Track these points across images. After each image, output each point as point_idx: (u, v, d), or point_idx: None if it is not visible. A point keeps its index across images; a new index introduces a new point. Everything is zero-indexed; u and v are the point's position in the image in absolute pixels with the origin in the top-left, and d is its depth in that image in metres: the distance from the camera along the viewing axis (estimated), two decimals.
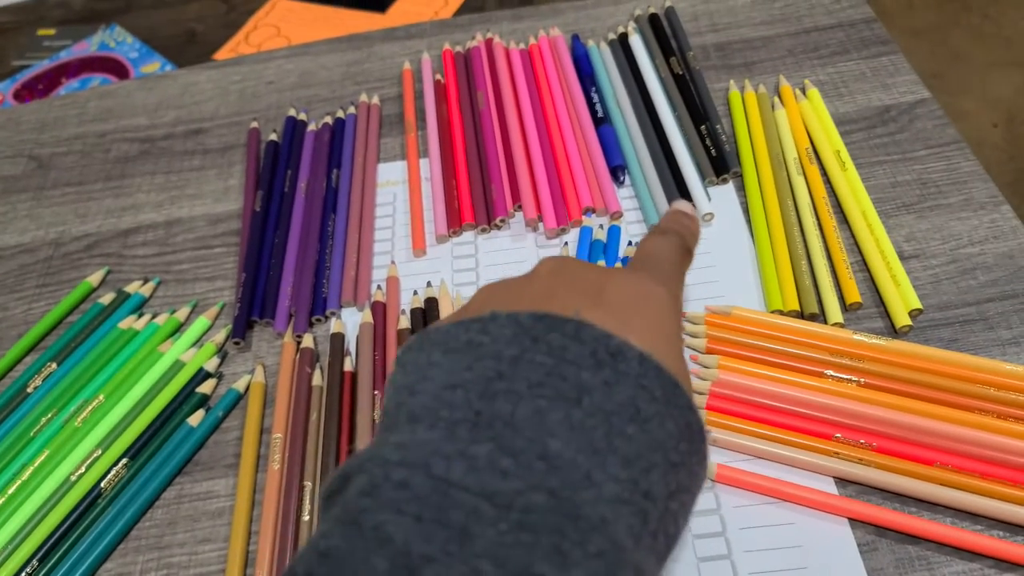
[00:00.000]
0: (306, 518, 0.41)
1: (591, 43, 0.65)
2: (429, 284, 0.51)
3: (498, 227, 0.54)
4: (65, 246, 0.57)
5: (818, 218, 0.51)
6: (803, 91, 0.59)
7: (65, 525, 0.41)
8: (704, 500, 0.41)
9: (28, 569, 0.40)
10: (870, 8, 0.66)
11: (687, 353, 0.46)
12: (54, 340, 0.51)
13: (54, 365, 0.48)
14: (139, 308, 0.52)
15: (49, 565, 0.40)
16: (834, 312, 0.46)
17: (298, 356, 0.47)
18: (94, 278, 0.54)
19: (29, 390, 0.47)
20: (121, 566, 0.41)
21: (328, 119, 0.62)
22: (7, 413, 0.46)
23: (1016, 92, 1.55)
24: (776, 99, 0.59)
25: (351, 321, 0.50)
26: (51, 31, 1.03)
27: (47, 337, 0.51)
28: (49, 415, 0.46)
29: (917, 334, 0.46)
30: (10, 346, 0.51)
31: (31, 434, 0.45)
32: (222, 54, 0.77)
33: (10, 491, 0.43)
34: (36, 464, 0.44)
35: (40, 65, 1.00)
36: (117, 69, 1.04)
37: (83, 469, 0.43)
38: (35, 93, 0.91)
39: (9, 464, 0.44)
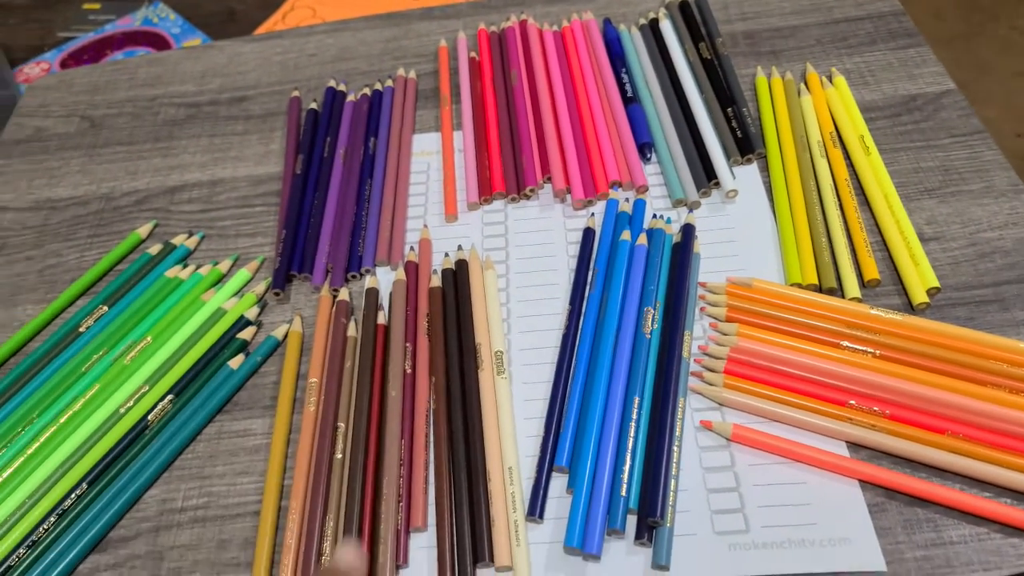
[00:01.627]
0: (339, 456, 0.43)
1: (622, 27, 0.67)
2: (460, 247, 0.53)
3: (527, 196, 0.56)
4: (116, 200, 0.60)
5: (839, 198, 0.53)
6: (830, 79, 0.61)
7: (114, 452, 0.44)
8: (719, 457, 0.42)
9: (78, 491, 0.42)
10: (898, 1, 0.67)
11: (706, 321, 0.48)
12: (104, 285, 0.53)
13: (105, 308, 0.51)
14: (184, 259, 0.54)
15: (99, 487, 0.42)
16: (852, 287, 0.48)
17: (334, 308, 0.49)
18: (143, 230, 0.56)
19: (81, 330, 0.50)
20: (166, 492, 0.43)
21: (367, 90, 0.64)
22: (60, 350, 0.49)
23: None
24: (802, 85, 0.60)
25: (385, 279, 0.52)
26: (96, 5, 1.06)
27: (98, 283, 0.54)
28: (100, 353, 0.48)
29: (933, 312, 0.47)
30: (64, 289, 0.54)
31: (83, 369, 0.48)
32: (261, 31, 0.79)
33: (62, 420, 0.45)
34: (87, 396, 0.46)
35: (85, 37, 1.03)
36: (159, 43, 1.07)
37: (131, 403, 0.46)
38: (81, 64, 0.94)
39: (62, 395, 0.46)
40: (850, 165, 0.55)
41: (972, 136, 0.56)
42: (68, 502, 0.42)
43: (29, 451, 0.44)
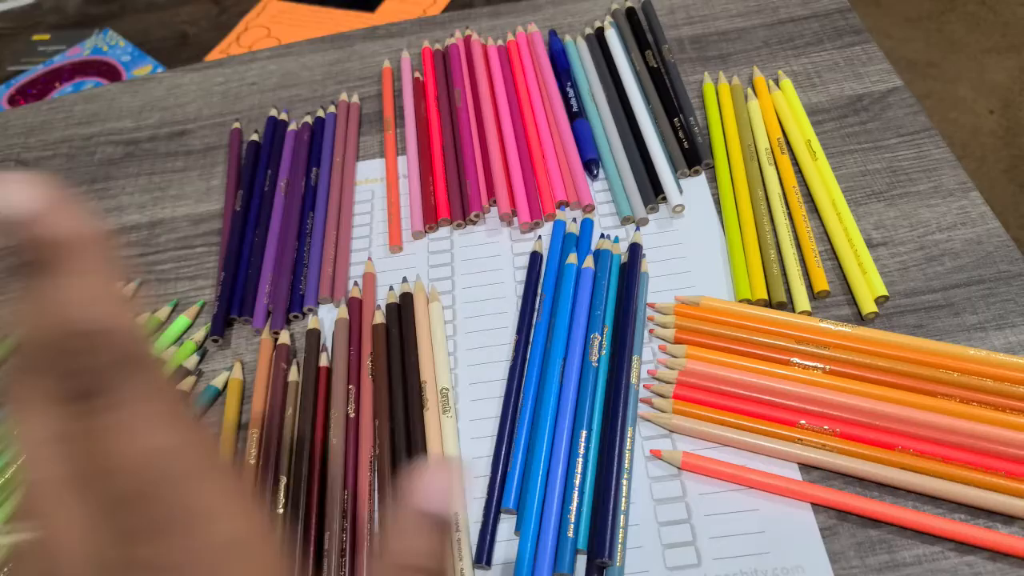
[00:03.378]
0: (280, 511, 0.42)
1: (567, 38, 0.65)
2: (404, 280, 0.52)
3: (473, 222, 0.55)
4: None
5: (788, 207, 0.52)
6: (776, 82, 0.60)
7: None
8: (670, 488, 0.41)
9: None
10: None
11: (656, 343, 0.47)
12: None
13: None
14: None
15: None
16: (802, 300, 0.47)
17: (275, 353, 0.48)
18: None
19: None
20: None
21: (308, 118, 0.62)
22: None
23: (1012, 78, 1.55)
24: (750, 90, 0.59)
25: (328, 317, 0.51)
26: (46, 36, 1.04)
27: None
28: None
29: (883, 321, 0.46)
30: None
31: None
32: (213, 56, 0.78)
33: None
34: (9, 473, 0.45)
35: (35, 70, 1.01)
36: (110, 72, 1.05)
37: None
38: (29, 98, 0.92)
39: None
40: (798, 172, 0.54)
41: (919, 135, 0.55)
42: None
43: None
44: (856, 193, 0.52)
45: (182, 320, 0.51)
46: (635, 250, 0.50)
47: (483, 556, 0.40)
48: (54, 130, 0.67)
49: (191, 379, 0.48)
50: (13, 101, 0.87)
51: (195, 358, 0.49)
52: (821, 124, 0.57)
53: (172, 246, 0.57)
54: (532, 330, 0.48)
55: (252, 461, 0.44)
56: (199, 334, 0.50)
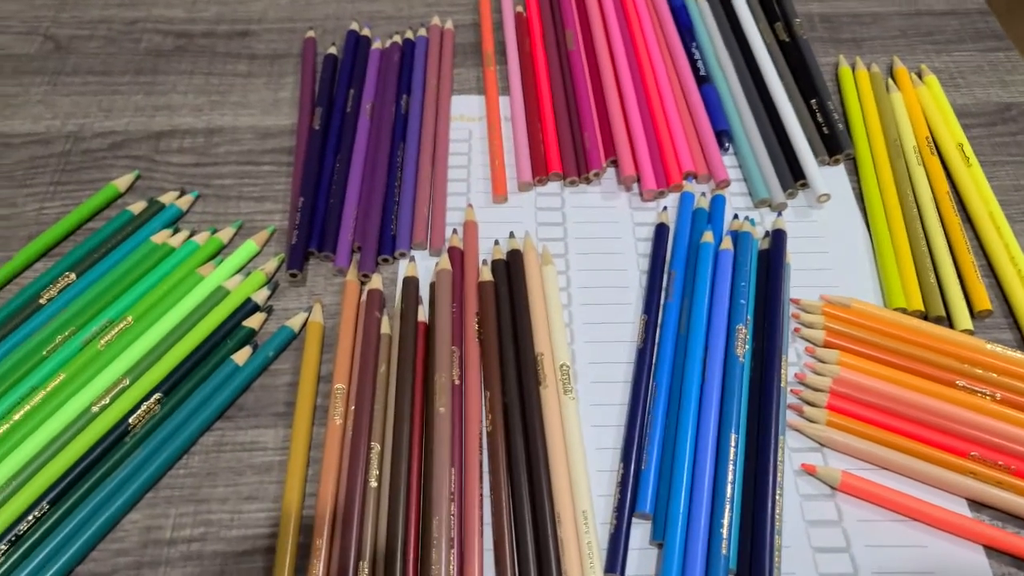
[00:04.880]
0: (373, 484, 0.35)
1: None
2: (512, 235, 0.45)
3: (588, 181, 0.48)
4: (86, 142, 0.49)
5: (940, 214, 0.47)
6: (919, 76, 0.54)
7: (85, 463, 0.35)
8: (824, 509, 0.36)
9: (37, 511, 0.33)
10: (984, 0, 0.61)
11: (799, 343, 0.41)
12: (72, 247, 0.43)
13: (73, 276, 0.41)
14: (174, 222, 0.45)
15: (63, 509, 0.33)
16: (963, 317, 0.42)
17: (364, 298, 0.41)
18: (121, 182, 0.46)
19: (42, 301, 0.40)
20: (150, 518, 0.34)
21: (397, 38, 0.55)
22: (15, 325, 0.39)
23: None
24: (890, 81, 0.54)
25: (422, 266, 0.44)
26: None
27: (63, 243, 0.44)
28: (66, 333, 0.39)
29: None
30: (19, 247, 0.43)
31: (43, 353, 0.38)
32: None
33: (16, 416, 0.36)
34: (49, 388, 0.37)
35: None
36: None
37: (107, 400, 0.36)
38: None
39: (16, 385, 0.37)
40: (948, 177, 0.49)
41: None
42: (23, 526, 0.33)
43: None
44: (1010, 208, 0.48)
45: (249, 246, 0.43)
46: (779, 237, 0.44)
47: (616, 565, 0.34)
48: (90, 7, 0.58)
49: (261, 315, 0.41)
50: None
51: (265, 291, 0.41)
52: (969, 129, 0.52)
53: (234, 159, 0.49)
54: (662, 311, 0.42)
55: (339, 421, 0.37)
56: (269, 264, 0.43)
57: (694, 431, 0.37)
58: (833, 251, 0.46)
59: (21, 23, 0.57)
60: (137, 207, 0.45)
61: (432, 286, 0.42)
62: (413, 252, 0.44)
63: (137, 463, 0.35)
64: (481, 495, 0.35)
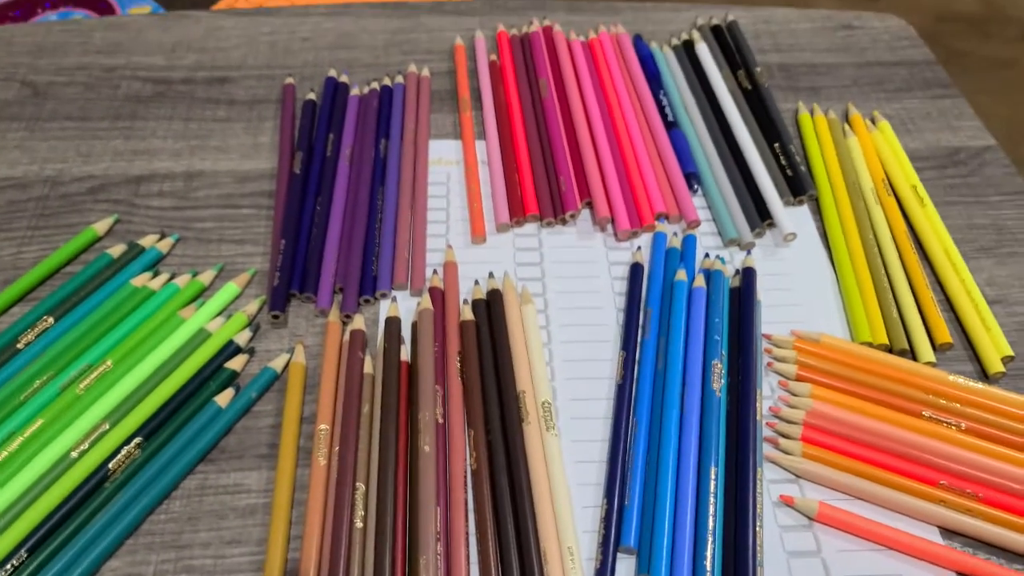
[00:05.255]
0: (359, 525, 0.35)
1: (654, 45, 0.62)
2: (492, 275, 0.46)
3: (564, 222, 0.50)
4: (64, 186, 0.49)
5: (900, 252, 0.49)
6: (873, 121, 0.57)
7: (64, 510, 0.34)
8: (803, 540, 0.37)
9: (15, 560, 0.32)
10: (930, 51, 0.65)
11: (772, 377, 0.43)
12: (50, 291, 0.43)
13: (51, 320, 0.41)
14: (154, 265, 0.45)
15: (41, 557, 0.33)
16: (925, 350, 0.44)
17: (347, 338, 0.41)
18: (100, 226, 0.46)
19: (19, 346, 0.40)
20: (130, 565, 0.34)
21: (375, 85, 0.56)
22: None
23: None
24: (846, 126, 0.57)
25: (403, 306, 0.44)
26: None
27: (41, 287, 0.44)
28: (44, 378, 0.38)
29: (1008, 381, 0.43)
30: None
31: (20, 398, 0.38)
32: (221, 6, 0.70)
33: None
34: (27, 434, 0.36)
35: None
36: (100, 7, 0.96)
37: (86, 445, 0.36)
38: (8, 20, 0.82)
39: None
40: (904, 216, 0.51)
41: (1019, 196, 0.54)
42: (1, 575, 0.32)
43: None
44: (964, 246, 0.50)
45: (231, 288, 0.43)
46: (750, 275, 0.46)
47: None
48: (68, 54, 0.59)
49: (243, 357, 0.41)
50: None
51: (247, 333, 0.42)
52: (921, 171, 0.54)
53: (214, 203, 0.49)
54: (639, 347, 0.43)
55: (323, 462, 0.37)
56: (251, 306, 0.43)
57: (675, 465, 0.38)
58: (800, 288, 0.47)
59: None
60: (116, 250, 0.45)
61: (414, 326, 0.43)
62: (394, 292, 0.45)
63: (117, 509, 0.34)
64: (467, 533, 0.35)
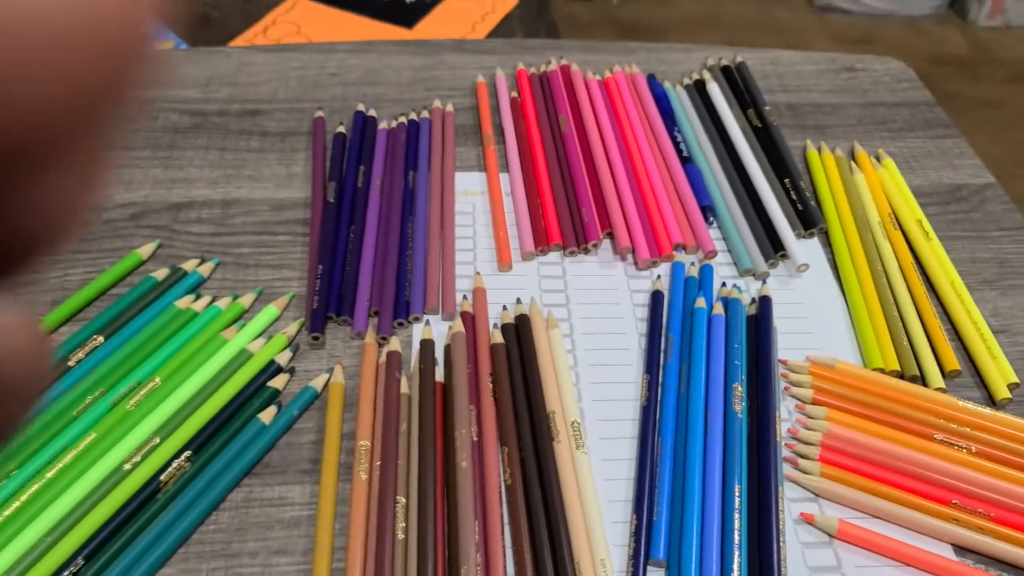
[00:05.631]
0: (401, 536, 0.36)
1: (667, 84, 0.65)
2: (519, 300, 0.48)
3: (586, 251, 0.52)
4: (106, 212, 0.51)
5: (907, 283, 0.51)
6: (878, 159, 0.60)
7: (118, 519, 0.35)
8: (823, 556, 0.39)
9: (72, 567, 0.34)
10: (929, 92, 0.68)
11: (788, 401, 0.45)
12: (97, 312, 0.45)
13: (101, 339, 0.42)
14: (195, 288, 0.47)
15: (99, 564, 0.34)
16: (935, 376, 0.46)
17: (384, 359, 0.43)
18: (144, 250, 0.48)
19: (71, 364, 0.41)
20: (182, 572, 0.35)
21: (403, 119, 0.59)
22: None
23: None
24: (852, 164, 0.59)
25: (435, 330, 0.46)
26: None
27: (87, 308, 0.45)
28: (95, 394, 0.40)
29: (1014, 407, 0.45)
30: (43, 312, 0.45)
31: (74, 413, 0.39)
32: (239, 43, 0.73)
33: (49, 474, 0.37)
34: (81, 447, 0.38)
35: None
36: None
37: (138, 458, 0.38)
38: None
39: (47, 444, 0.38)
40: (911, 250, 0.54)
41: (1019, 231, 0.56)
42: None
43: (5, 513, 0.35)
44: (968, 279, 0.52)
45: (270, 310, 0.45)
46: (766, 303, 0.48)
47: None
48: None
49: (284, 376, 0.42)
50: None
51: (287, 354, 0.43)
52: (925, 207, 0.57)
53: (251, 229, 0.51)
54: (662, 371, 0.45)
55: (364, 476, 0.38)
56: (290, 328, 0.45)
57: (701, 483, 0.39)
58: (813, 316, 0.49)
59: None
60: (160, 274, 0.46)
61: (446, 348, 0.44)
62: (427, 316, 0.47)
63: (169, 519, 0.36)
64: (503, 546, 0.37)
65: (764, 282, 0.51)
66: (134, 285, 0.46)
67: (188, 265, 0.48)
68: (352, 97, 0.62)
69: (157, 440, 0.38)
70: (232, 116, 0.59)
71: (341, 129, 0.58)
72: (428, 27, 1.17)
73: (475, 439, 0.40)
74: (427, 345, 0.44)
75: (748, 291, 0.50)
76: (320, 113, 0.59)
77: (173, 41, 0.97)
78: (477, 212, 0.54)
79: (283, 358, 0.43)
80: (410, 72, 0.65)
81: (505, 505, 0.39)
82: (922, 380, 0.46)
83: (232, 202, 0.53)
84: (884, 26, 1.94)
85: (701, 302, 0.47)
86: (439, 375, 0.43)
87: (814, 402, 0.44)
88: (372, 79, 0.64)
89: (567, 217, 0.53)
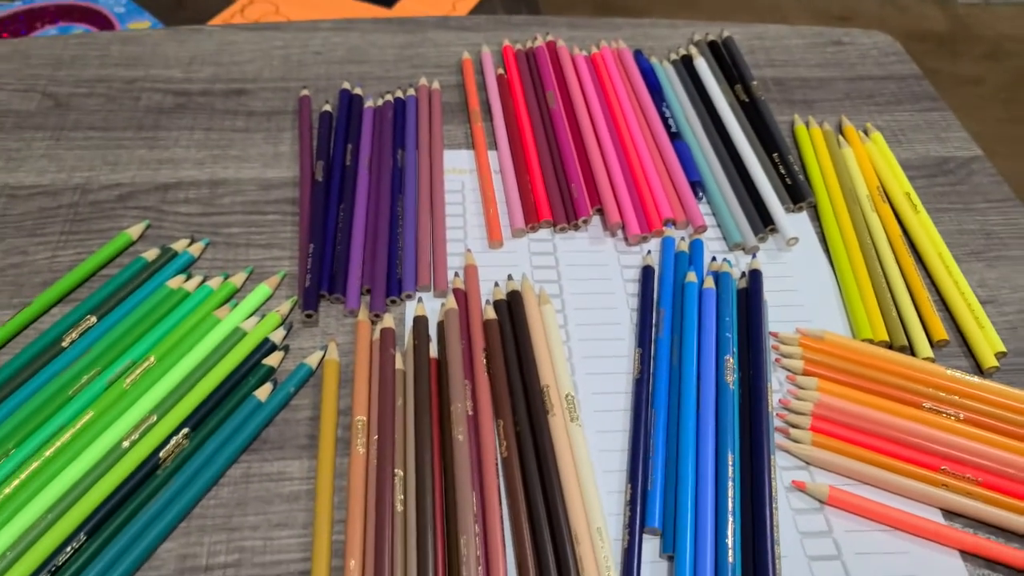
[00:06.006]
0: (399, 508, 0.36)
1: (654, 60, 0.65)
2: (511, 277, 0.48)
3: (576, 228, 0.52)
4: (93, 193, 0.51)
5: (895, 255, 0.52)
6: (866, 133, 0.60)
7: (119, 495, 0.35)
8: (814, 521, 0.39)
9: (75, 542, 0.34)
10: (916, 66, 0.68)
11: (780, 372, 0.45)
12: (88, 293, 0.44)
13: (93, 319, 0.42)
14: (187, 268, 0.47)
15: (101, 539, 0.34)
16: (923, 346, 0.46)
17: (377, 336, 0.43)
18: (133, 231, 0.48)
19: (64, 344, 0.41)
20: (185, 546, 0.35)
21: (388, 97, 0.58)
22: (39, 366, 0.40)
23: None
24: (840, 137, 0.60)
25: (428, 307, 0.46)
26: None
27: (78, 289, 0.45)
28: (91, 374, 0.40)
29: (1001, 376, 0.46)
30: (33, 293, 0.44)
31: (69, 393, 0.39)
32: (216, 23, 0.72)
33: (47, 453, 0.36)
34: (78, 426, 0.37)
35: (11, 7, 0.93)
36: (99, 21, 0.97)
37: (136, 435, 0.37)
38: (8, 34, 0.84)
39: (45, 423, 0.38)
40: (899, 222, 0.54)
41: (1006, 203, 0.57)
42: (62, 558, 0.33)
43: (6, 491, 0.35)
44: (955, 250, 0.53)
45: (263, 289, 0.45)
46: (756, 277, 0.48)
47: None
48: (87, 67, 0.60)
49: (279, 354, 0.42)
50: None
51: (281, 332, 0.43)
52: (913, 180, 0.57)
53: (239, 209, 0.51)
54: (654, 344, 0.45)
55: (361, 450, 0.38)
56: (283, 306, 0.45)
57: (694, 452, 0.40)
58: (803, 289, 0.50)
59: (18, 81, 0.59)
60: (151, 254, 0.46)
61: (439, 325, 0.45)
62: (419, 294, 0.47)
63: (170, 494, 0.36)
64: (501, 516, 0.37)
65: (754, 256, 0.51)
66: (124, 266, 0.46)
67: (178, 245, 0.47)
68: (337, 75, 0.61)
69: (154, 418, 0.38)
70: (216, 96, 0.59)
71: (327, 108, 0.57)
72: (408, 7, 1.16)
73: (470, 413, 0.40)
74: (420, 322, 0.44)
75: (738, 265, 0.51)
76: (305, 92, 0.59)
77: (149, 22, 0.96)
78: (466, 190, 0.54)
79: (276, 336, 0.43)
80: (394, 50, 0.65)
81: (502, 477, 0.39)
82: (911, 350, 0.47)
83: (219, 182, 0.52)
84: (863, 2, 1.94)
85: (692, 276, 0.48)
86: (432, 351, 0.43)
87: (805, 373, 0.45)
88: (357, 57, 0.63)
89: (556, 194, 0.53)
